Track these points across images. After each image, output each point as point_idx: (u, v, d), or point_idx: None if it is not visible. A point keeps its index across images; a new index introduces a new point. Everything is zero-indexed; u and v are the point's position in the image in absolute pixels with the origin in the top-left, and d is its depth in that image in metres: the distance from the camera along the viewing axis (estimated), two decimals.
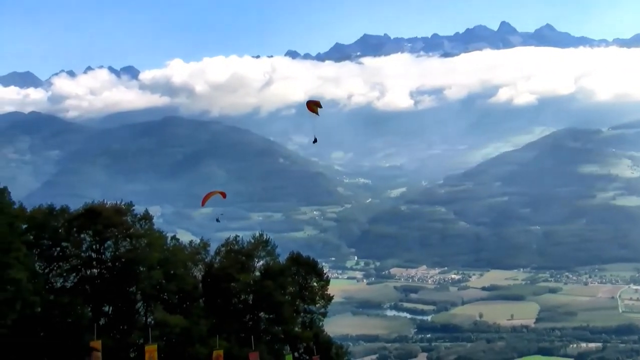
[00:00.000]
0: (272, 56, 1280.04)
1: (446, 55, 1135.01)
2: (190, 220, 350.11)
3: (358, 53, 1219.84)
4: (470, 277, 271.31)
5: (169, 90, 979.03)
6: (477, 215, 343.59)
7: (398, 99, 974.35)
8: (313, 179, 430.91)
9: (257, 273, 49.24)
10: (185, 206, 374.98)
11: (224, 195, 53.60)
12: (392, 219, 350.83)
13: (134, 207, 44.97)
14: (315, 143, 56.88)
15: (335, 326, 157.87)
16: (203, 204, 55.49)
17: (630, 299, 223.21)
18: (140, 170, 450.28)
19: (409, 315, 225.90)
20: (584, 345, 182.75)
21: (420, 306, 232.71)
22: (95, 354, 32.06)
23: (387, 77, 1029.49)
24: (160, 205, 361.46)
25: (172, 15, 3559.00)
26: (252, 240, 50.36)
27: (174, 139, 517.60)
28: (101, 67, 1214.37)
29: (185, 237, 58.43)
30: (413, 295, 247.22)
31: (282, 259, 51.14)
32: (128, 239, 43.05)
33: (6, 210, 37.04)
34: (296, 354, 48.48)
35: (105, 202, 45.06)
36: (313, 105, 45.24)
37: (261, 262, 49.86)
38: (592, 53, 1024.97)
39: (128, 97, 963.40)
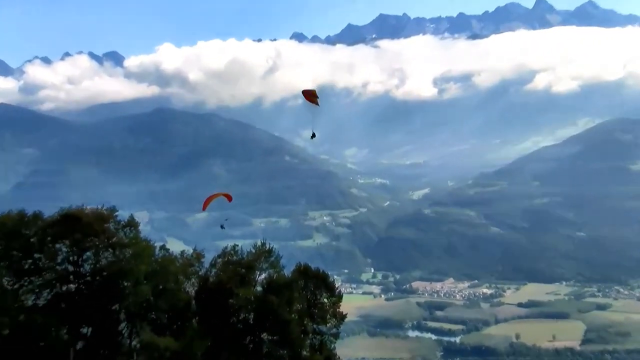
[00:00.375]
0: (275, 40, 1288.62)
1: (474, 37, 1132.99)
2: (182, 228, 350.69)
3: (374, 35, 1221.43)
4: (504, 291, 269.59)
5: (158, 79, 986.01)
6: (513, 220, 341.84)
7: (420, 87, 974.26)
8: (324, 179, 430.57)
9: (259, 287, 48.89)
10: (178, 211, 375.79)
11: (229, 197, 53.38)
12: (414, 224, 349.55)
13: (117, 213, 44.77)
14: (314, 138, 56.83)
15: (349, 349, 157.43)
16: (204, 208, 55.28)
17: None
18: (126, 170, 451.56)
19: (434, 337, 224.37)
20: None
21: (447, 325, 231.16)
22: None
23: (407, 62, 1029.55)
24: (148, 210, 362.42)
25: None
26: (253, 250, 50.03)
27: (164, 134, 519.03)
28: (80, 52, 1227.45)
29: (176, 247, 58.16)
30: (439, 313, 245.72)
31: (288, 271, 50.75)
32: (110, 249, 42.85)
33: None
34: None
35: (84, 207, 44.82)
36: (310, 96, 45.08)
37: (264, 275, 49.54)
38: None
39: (112, 87, 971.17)
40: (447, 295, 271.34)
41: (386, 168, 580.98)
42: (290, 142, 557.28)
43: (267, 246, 50.45)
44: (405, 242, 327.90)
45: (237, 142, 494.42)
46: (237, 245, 50.55)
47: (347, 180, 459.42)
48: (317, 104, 45.38)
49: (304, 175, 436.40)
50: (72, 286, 42.24)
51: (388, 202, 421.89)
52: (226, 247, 50.29)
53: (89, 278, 42.39)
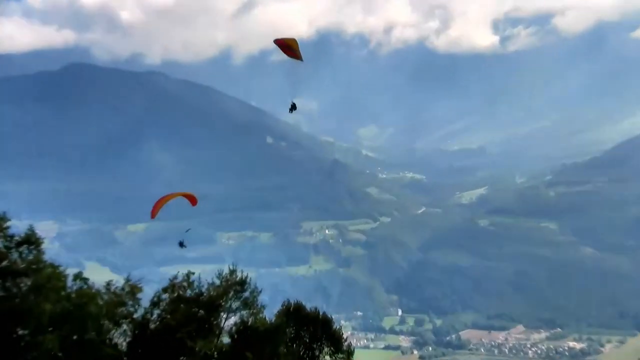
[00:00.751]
0: None
1: None
2: (109, 246, 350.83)
3: None
4: (602, 345, 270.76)
5: (74, 20, 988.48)
6: (615, 236, 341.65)
7: (473, 34, 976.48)
8: (327, 173, 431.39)
9: (226, 338, 48.88)
10: (102, 220, 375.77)
11: (193, 200, 53.40)
12: (464, 243, 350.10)
13: (9, 223, 44.65)
14: (294, 111, 57.47)
15: None
16: (154, 214, 55.29)
17: None
18: (21, 159, 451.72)
19: None
20: None
21: None
22: None
23: None
24: (56, 219, 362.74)
25: None
26: (218, 280, 49.99)
27: (81, 102, 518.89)
28: None
29: (100, 275, 58.35)
30: None
31: (271, 312, 50.78)
32: None
33: None
34: None
35: None
36: (287, 49, 45.56)
37: (233, 319, 49.50)
38: None
39: (5, 31, 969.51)
40: (514, 350, 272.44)
41: (422, 156, 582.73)
42: (273, 115, 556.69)
43: (239, 275, 50.40)
44: (449, 270, 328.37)
45: (193, 114, 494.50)
46: (193, 274, 50.40)
47: (362, 174, 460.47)
48: (299, 58, 45.72)
49: (296, 166, 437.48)
50: None
51: (424, 209, 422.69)
52: (176, 276, 50.16)
53: None
